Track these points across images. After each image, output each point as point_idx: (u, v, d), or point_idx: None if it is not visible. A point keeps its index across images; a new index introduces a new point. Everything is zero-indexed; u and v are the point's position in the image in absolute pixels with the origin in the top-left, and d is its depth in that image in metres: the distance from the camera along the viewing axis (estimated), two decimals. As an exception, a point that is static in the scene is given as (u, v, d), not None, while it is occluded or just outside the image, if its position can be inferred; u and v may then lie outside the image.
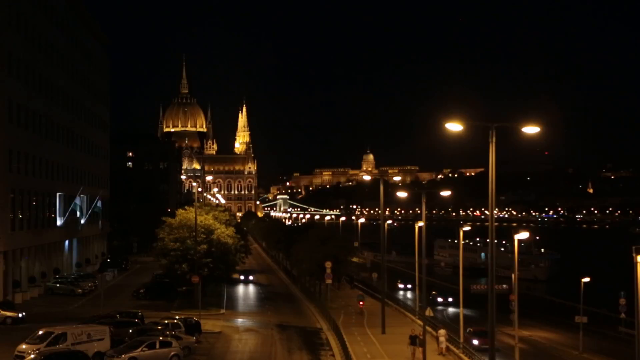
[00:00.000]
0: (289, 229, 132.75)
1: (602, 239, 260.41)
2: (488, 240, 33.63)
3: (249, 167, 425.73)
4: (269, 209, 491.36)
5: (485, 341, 46.32)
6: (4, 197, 62.19)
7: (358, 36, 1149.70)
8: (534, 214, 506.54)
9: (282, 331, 58.92)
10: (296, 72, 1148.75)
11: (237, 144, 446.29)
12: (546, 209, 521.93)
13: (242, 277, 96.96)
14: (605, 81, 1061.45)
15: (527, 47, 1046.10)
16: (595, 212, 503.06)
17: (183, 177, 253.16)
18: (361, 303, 73.33)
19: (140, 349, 41.65)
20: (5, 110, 62.45)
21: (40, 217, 73.64)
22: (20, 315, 55.73)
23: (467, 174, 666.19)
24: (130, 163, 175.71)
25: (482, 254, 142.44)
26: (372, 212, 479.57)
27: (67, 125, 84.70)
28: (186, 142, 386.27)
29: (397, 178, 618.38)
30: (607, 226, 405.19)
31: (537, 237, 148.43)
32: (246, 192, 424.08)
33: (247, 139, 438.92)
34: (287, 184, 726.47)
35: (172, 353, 42.81)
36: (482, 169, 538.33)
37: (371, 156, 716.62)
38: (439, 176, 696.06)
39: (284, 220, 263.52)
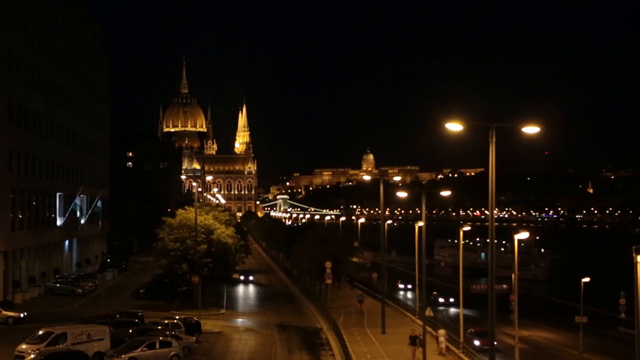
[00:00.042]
0: (289, 229, 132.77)
1: (602, 239, 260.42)
2: (488, 240, 33.63)
3: (249, 167, 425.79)
4: (269, 209, 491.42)
5: (487, 342, 46.17)
6: (4, 197, 62.19)
7: (358, 36, 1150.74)
8: (534, 214, 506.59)
9: (282, 331, 58.92)
10: (296, 72, 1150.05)
11: (237, 144, 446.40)
12: (546, 209, 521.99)
13: (242, 278, 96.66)
14: (605, 81, 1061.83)
15: (527, 47, 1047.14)
16: (595, 212, 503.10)
17: (183, 177, 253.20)
18: (360, 304, 73.42)
19: (140, 349, 41.65)
20: (5, 110, 62.45)
21: (40, 217, 73.65)
22: (22, 315, 55.76)
23: (467, 174, 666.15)
24: (130, 163, 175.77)
25: (482, 254, 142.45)
26: (372, 212, 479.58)
27: (67, 125, 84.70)
28: (186, 142, 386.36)
29: (397, 178, 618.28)
30: (607, 226, 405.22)
31: (537, 237, 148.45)
32: (246, 192, 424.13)
33: (247, 139, 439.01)
34: (287, 184, 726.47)
35: (172, 353, 42.81)
36: (482, 169, 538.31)
37: (371, 156, 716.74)
38: (439, 176, 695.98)
39: (284, 220, 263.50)
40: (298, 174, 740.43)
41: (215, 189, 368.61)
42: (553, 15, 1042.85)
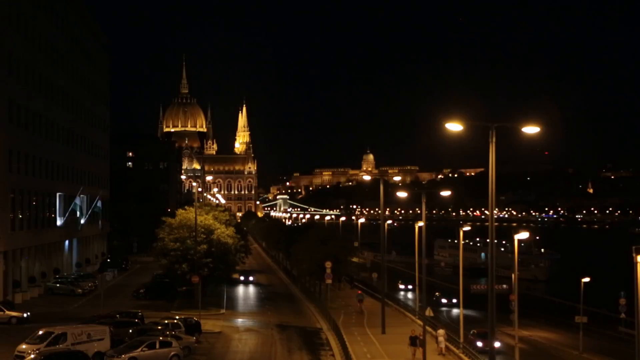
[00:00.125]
0: (289, 229, 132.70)
1: (602, 239, 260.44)
2: (488, 240, 33.62)
3: (249, 167, 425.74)
4: (269, 209, 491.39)
5: (492, 343, 45.98)
6: (4, 197, 62.19)
7: (358, 36, 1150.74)
8: (534, 214, 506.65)
9: (282, 331, 58.92)
10: (296, 72, 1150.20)
11: (237, 144, 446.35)
12: (546, 209, 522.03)
13: (242, 278, 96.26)
14: (605, 81, 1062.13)
15: (527, 47, 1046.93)
16: (595, 212, 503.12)
17: (183, 177, 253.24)
18: (359, 304, 73.44)
19: (140, 349, 41.65)
20: (5, 110, 62.45)
21: (40, 217, 73.65)
22: (25, 315, 55.78)
23: (467, 174, 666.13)
24: (130, 163, 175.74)
25: (482, 254, 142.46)
26: (372, 212, 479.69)
27: (67, 125, 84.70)
28: (186, 142, 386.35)
29: (397, 178, 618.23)
30: (607, 226, 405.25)
31: (537, 237, 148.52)
32: (246, 192, 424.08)
33: (247, 139, 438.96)
34: (287, 184, 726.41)
35: (172, 353, 42.80)
36: (482, 169, 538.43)
37: (371, 156, 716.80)
38: (439, 176, 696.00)
39: (284, 220, 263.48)
40: (298, 174, 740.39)
41: (215, 189, 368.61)
42: (553, 15, 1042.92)
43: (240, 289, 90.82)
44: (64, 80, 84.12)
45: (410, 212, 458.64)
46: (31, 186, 69.98)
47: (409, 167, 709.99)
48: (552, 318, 79.05)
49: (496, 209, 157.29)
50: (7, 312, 55.23)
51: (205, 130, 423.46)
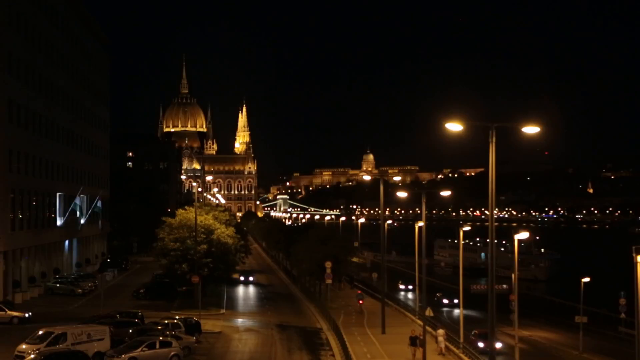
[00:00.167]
0: (289, 229, 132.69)
1: (602, 239, 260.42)
2: (488, 240, 33.62)
3: (249, 167, 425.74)
4: (269, 209, 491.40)
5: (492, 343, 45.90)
6: (4, 197, 62.19)
7: (358, 36, 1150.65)
8: (534, 214, 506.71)
9: (282, 331, 58.92)
10: (296, 72, 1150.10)
11: (237, 144, 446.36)
12: (546, 209, 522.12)
13: (242, 278, 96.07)
14: (605, 81, 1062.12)
15: (527, 47, 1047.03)
16: (595, 212, 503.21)
17: (183, 177, 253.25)
18: (360, 302, 73.42)
19: (140, 349, 41.64)
20: (5, 110, 62.45)
21: (40, 217, 73.65)
22: (26, 315, 55.79)
23: (467, 174, 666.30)
24: (130, 163, 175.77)
25: (482, 254, 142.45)
26: (372, 212, 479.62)
27: (67, 125, 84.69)
28: (186, 142, 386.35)
29: (397, 178, 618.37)
30: (607, 226, 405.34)
31: (537, 237, 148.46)
32: (246, 192, 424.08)
33: (247, 139, 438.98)
34: (287, 184, 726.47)
35: (172, 353, 42.79)
36: (482, 169, 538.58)
37: (371, 156, 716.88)
38: (439, 176, 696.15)
39: (284, 220, 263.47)
40: (298, 174, 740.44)
41: (215, 189, 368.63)
42: (553, 15, 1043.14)
43: (240, 289, 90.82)
44: (64, 80, 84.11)
45: (410, 212, 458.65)
46: (31, 186, 69.99)
47: (409, 167, 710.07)
48: (552, 318, 79.03)
49: (496, 209, 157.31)
50: (9, 312, 55.24)
51: (205, 130, 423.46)
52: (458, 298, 77.28)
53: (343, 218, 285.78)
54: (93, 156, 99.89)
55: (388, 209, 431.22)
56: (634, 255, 37.99)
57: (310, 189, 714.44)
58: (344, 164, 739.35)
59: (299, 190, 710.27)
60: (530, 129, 29.73)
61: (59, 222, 79.94)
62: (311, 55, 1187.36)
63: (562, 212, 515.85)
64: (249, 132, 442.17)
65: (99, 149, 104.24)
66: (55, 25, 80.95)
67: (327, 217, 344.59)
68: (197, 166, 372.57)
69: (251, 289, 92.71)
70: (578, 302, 62.13)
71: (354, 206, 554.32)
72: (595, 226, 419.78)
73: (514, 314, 49.29)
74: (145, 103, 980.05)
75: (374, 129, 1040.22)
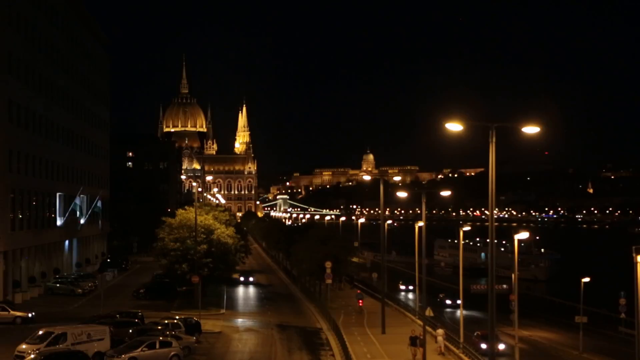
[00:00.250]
0: (289, 229, 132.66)
1: (602, 239, 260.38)
2: (488, 240, 33.61)
3: (249, 167, 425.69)
4: (269, 209, 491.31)
5: (495, 345, 45.76)
6: (4, 197, 62.20)
7: (358, 36, 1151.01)
8: (534, 214, 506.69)
9: (282, 331, 58.92)
10: (296, 72, 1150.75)
11: (237, 144, 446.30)
12: (546, 209, 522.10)
13: (242, 278, 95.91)
14: (605, 81, 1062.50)
15: (527, 47, 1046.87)
16: (595, 212, 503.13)
17: (183, 177, 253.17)
18: (360, 302, 73.39)
19: (140, 349, 41.64)
20: (5, 110, 62.46)
21: (40, 217, 73.65)
22: (30, 315, 55.79)
23: (467, 174, 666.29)
24: (130, 163, 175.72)
25: (482, 254, 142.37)
26: (372, 212, 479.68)
27: (67, 125, 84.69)
28: (186, 142, 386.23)
29: (397, 178, 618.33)
30: (607, 226, 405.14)
31: (537, 237, 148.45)
32: (246, 192, 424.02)
33: (247, 139, 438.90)
34: (287, 184, 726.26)
35: (172, 353, 42.79)
36: (482, 169, 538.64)
37: (371, 156, 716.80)
38: (439, 176, 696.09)
39: (284, 220, 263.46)
40: (298, 174, 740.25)
41: (215, 189, 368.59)
42: (553, 15, 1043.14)
43: (240, 289, 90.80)
44: (64, 80, 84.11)
45: (410, 212, 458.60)
46: (31, 186, 69.99)
47: (409, 167, 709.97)
48: (552, 318, 79.01)
49: (496, 209, 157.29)
50: (12, 312, 55.24)
51: (205, 130, 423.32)
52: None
53: (343, 218, 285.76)
54: (93, 156, 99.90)
55: (388, 209, 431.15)
56: (634, 255, 38.01)
57: (310, 189, 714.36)
58: (344, 164, 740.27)
59: (299, 190, 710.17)
60: (530, 129, 29.72)
61: (59, 222, 79.94)
62: (311, 55, 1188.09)
63: (562, 212, 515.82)
64: (249, 132, 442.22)
65: (99, 149, 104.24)
66: (55, 26, 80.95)
67: (327, 217, 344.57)
68: (197, 166, 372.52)
69: (251, 289, 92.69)
70: (578, 302, 62.10)
71: (354, 206, 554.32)
72: (595, 226, 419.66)
73: (514, 314, 49.27)
74: (145, 103, 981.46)
75: (374, 129, 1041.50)
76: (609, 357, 58.91)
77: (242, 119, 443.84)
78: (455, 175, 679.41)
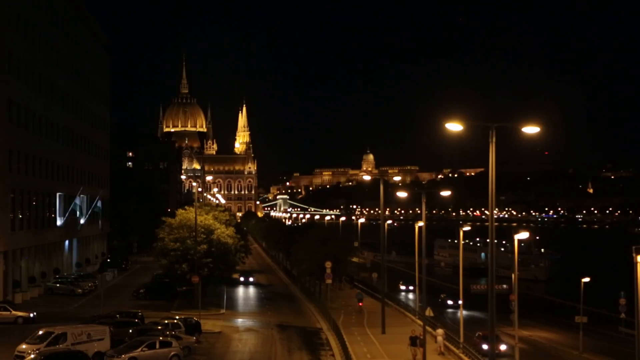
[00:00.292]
0: (289, 229, 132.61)
1: (602, 239, 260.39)
2: (488, 240, 33.61)
3: (249, 167, 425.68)
4: (269, 209, 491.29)
5: (497, 346, 45.64)
6: (4, 197, 62.21)
7: (358, 36, 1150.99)
8: (534, 214, 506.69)
9: (282, 331, 58.92)
10: (296, 72, 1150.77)
11: (237, 144, 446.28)
12: (546, 209, 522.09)
13: (242, 278, 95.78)
14: (605, 81, 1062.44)
15: (527, 47, 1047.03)
16: (595, 212, 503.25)
17: (183, 177, 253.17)
18: (360, 303, 73.39)
19: (140, 349, 41.64)
20: (5, 110, 62.47)
21: (40, 217, 73.66)
22: (31, 315, 55.80)
23: (467, 174, 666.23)
24: (130, 163, 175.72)
25: (482, 254, 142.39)
26: (372, 212, 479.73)
27: (67, 125, 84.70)
28: (186, 142, 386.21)
29: (397, 178, 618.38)
30: (607, 226, 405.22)
31: (537, 237, 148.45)
32: (246, 192, 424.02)
33: (247, 139, 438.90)
34: (287, 184, 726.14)
35: (172, 353, 42.79)
36: (482, 169, 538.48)
37: (371, 156, 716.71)
38: (439, 176, 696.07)
39: (284, 220, 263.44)
40: (298, 174, 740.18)
41: (215, 189, 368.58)
42: (553, 15, 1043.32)
43: (240, 289, 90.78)
44: (64, 80, 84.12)
45: (410, 212, 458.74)
46: (31, 186, 69.99)
47: (409, 167, 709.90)
48: (552, 318, 79.00)
49: (496, 209, 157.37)
50: (13, 312, 55.27)
51: (205, 130, 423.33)
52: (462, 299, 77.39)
53: (343, 218, 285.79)
54: (93, 156, 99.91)
55: (388, 209, 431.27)
56: (634, 255, 38.00)
57: (310, 189, 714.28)
58: (344, 164, 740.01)
59: (299, 190, 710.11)
60: (530, 129, 29.72)
61: (59, 222, 79.95)
62: (311, 55, 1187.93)
63: (562, 212, 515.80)
64: (249, 132, 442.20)
65: (99, 149, 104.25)
66: (55, 26, 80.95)
67: (327, 217, 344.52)
68: (197, 166, 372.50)
69: (251, 289, 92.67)
70: (578, 302, 62.08)
71: (354, 206, 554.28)
72: (595, 226, 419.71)
73: (514, 314, 49.26)
74: (145, 103, 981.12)
75: (374, 129, 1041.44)
76: (609, 357, 58.89)
77: (242, 119, 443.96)
78: (455, 175, 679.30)
